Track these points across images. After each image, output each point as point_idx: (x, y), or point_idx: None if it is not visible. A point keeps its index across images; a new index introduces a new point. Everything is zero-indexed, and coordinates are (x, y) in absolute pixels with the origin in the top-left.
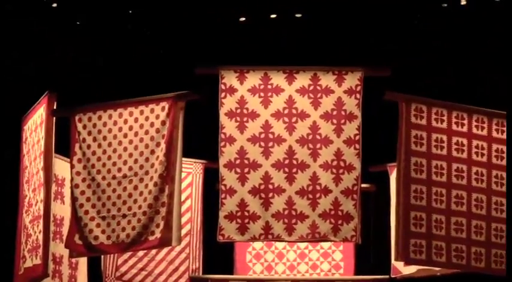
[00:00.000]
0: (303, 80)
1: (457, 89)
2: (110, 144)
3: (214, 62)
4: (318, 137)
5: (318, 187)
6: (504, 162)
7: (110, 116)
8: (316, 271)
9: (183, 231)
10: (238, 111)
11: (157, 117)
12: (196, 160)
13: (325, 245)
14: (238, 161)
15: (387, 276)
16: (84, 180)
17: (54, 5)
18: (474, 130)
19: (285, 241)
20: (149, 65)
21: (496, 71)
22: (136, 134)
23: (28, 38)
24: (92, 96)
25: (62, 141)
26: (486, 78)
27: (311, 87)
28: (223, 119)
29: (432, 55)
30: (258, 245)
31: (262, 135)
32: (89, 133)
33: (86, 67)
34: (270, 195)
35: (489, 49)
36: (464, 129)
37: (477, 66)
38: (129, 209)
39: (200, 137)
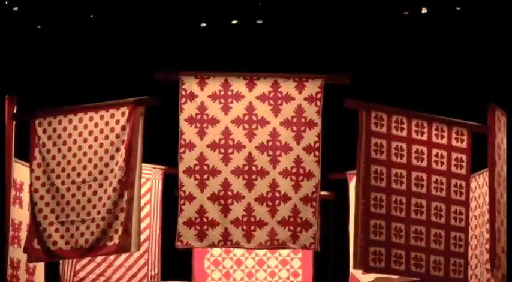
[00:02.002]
0: (263, 86)
1: (418, 97)
2: (69, 149)
3: (175, 67)
4: (277, 143)
5: (277, 194)
6: (463, 171)
7: (70, 121)
8: (275, 278)
9: (142, 237)
10: (199, 117)
11: (117, 122)
12: (156, 166)
13: (284, 252)
14: (197, 167)
15: None
16: (43, 185)
17: (15, 8)
18: (434, 139)
19: (244, 248)
20: (110, 69)
21: (458, 79)
22: (96, 139)
23: None
24: (53, 100)
25: (21, 146)
26: (447, 87)
27: (271, 94)
28: (183, 125)
29: (394, 63)
30: (216, 251)
31: (222, 142)
32: (49, 138)
33: (46, 71)
34: (229, 201)
35: (450, 57)
36: (424, 137)
37: (439, 73)
38: (88, 214)
39: (160, 142)
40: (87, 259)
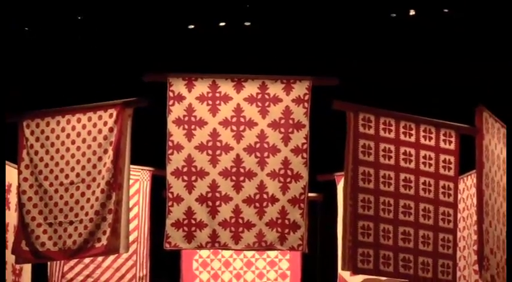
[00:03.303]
0: (251, 88)
1: (406, 98)
2: (57, 151)
3: (163, 69)
4: (265, 145)
5: (265, 196)
6: (451, 173)
7: (58, 123)
8: (263, 280)
9: (130, 239)
10: (186, 119)
11: (105, 124)
12: (144, 167)
13: (272, 253)
14: (185, 169)
15: None
16: (31, 186)
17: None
18: (422, 140)
19: (232, 249)
20: (98, 71)
21: (446, 81)
22: (84, 140)
23: None
24: (41, 102)
25: (8, 147)
26: (436, 88)
27: (259, 96)
28: (171, 127)
29: (382, 64)
30: (204, 253)
31: (210, 143)
32: (37, 139)
33: (34, 73)
34: (217, 203)
35: (439, 58)
36: (412, 139)
37: (428, 75)
38: (76, 215)
39: (148, 144)
40: (75, 260)
